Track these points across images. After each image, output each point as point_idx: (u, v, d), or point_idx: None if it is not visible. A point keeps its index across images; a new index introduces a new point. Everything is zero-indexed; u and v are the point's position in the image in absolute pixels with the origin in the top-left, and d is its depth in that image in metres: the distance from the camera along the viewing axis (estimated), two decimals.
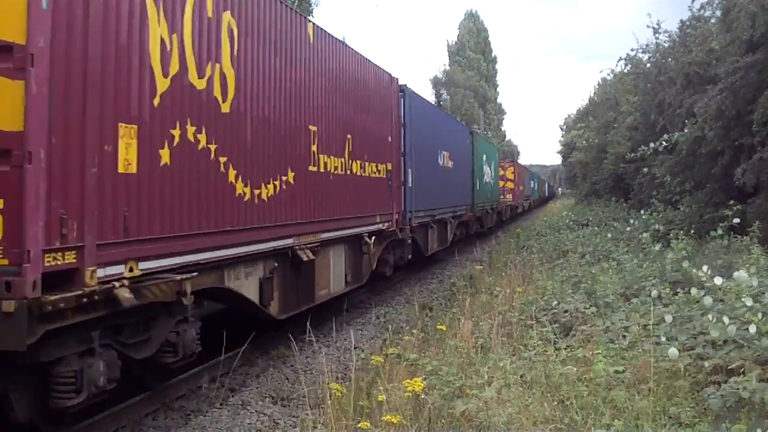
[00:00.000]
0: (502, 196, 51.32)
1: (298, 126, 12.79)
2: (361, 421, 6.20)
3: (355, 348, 12.74)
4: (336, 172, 14.70)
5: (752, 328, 6.61)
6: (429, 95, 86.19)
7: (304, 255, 12.81)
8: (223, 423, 9.01)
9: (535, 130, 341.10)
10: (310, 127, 13.36)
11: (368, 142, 17.12)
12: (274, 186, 11.60)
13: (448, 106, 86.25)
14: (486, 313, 11.84)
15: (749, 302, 7.16)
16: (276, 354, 12.35)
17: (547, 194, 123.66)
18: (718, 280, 7.73)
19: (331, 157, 14.44)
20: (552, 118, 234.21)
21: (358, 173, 16.24)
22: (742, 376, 6.21)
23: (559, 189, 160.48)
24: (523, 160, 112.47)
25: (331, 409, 6.68)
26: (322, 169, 13.88)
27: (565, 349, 8.68)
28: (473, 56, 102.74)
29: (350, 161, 15.66)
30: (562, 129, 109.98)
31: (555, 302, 11.11)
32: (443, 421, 6.44)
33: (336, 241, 15.08)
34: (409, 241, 20.96)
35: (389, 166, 18.87)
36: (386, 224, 18.26)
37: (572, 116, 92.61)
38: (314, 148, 13.53)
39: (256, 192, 10.92)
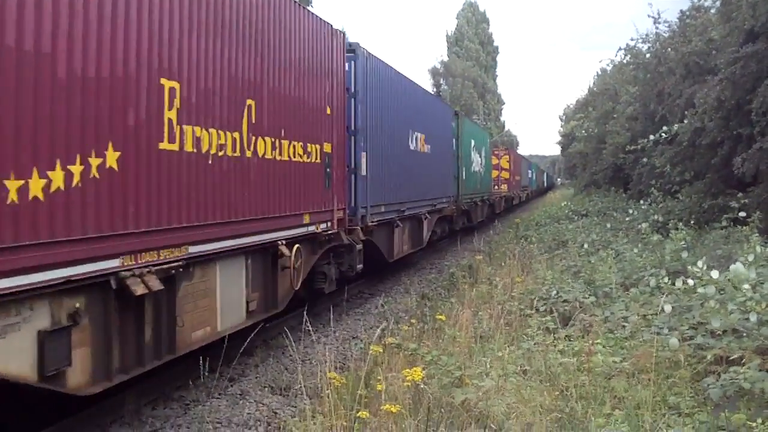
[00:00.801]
0: (496, 187, 48.68)
1: (132, 76, 7.79)
2: (360, 410, 6.19)
3: (354, 338, 12.79)
4: (222, 153, 9.72)
5: (753, 317, 6.60)
6: (428, 86, 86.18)
7: (139, 286, 7.74)
8: (222, 413, 9.00)
9: (535, 120, 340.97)
10: (164, 81, 8.39)
11: (288, 112, 11.94)
12: (67, 174, 6.71)
13: (447, 97, 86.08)
14: (485, 303, 11.84)
15: (749, 292, 7.15)
16: (275, 344, 12.34)
17: (546, 184, 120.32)
18: (714, 273, 7.70)
19: (211, 131, 9.43)
20: (552, 108, 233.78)
21: (269, 156, 11.22)
22: (742, 365, 6.20)
23: (559, 179, 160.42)
24: (522, 150, 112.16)
25: (329, 399, 6.66)
26: (189, 148, 8.92)
27: (565, 338, 8.69)
28: (472, 46, 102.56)
29: (252, 138, 10.62)
30: (561, 119, 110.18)
31: (554, 292, 11.11)
32: (442, 410, 6.43)
33: (228, 255, 10.09)
34: (359, 246, 15.62)
35: (327, 148, 13.64)
36: (322, 226, 13.46)
37: (572, 106, 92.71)
38: (171, 114, 8.56)
39: (16, 185, 6.12)
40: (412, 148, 21.39)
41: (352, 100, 15.77)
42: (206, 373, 9.00)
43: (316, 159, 13.11)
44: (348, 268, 15.45)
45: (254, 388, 10.06)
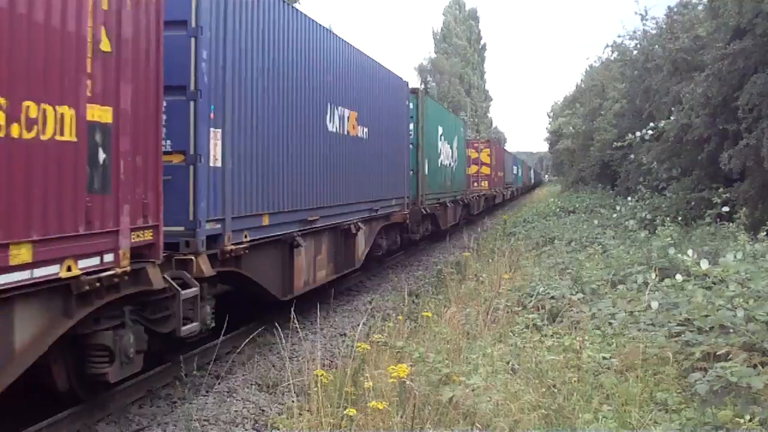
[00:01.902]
0: (475, 184, 43.96)
1: None
2: (348, 407, 6.18)
3: (341, 335, 12.77)
4: None
5: (740, 313, 6.62)
6: (416, 83, 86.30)
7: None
8: (209, 410, 8.97)
9: (523, 117, 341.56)
10: None
11: None
12: None
13: (435, 94, 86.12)
14: (473, 300, 11.83)
15: (736, 287, 7.18)
16: (262, 341, 12.30)
17: (533, 181, 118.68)
18: (704, 264, 7.73)
19: None
20: (540, 105, 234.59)
21: None
22: (728, 361, 6.21)
23: (546, 176, 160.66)
24: (510, 147, 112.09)
25: (317, 396, 6.65)
26: None
27: (552, 335, 8.69)
28: (460, 43, 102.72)
29: None
30: (549, 116, 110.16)
31: (542, 289, 11.12)
32: (430, 407, 6.42)
33: None
34: (195, 290, 9.26)
35: (99, 115, 7.24)
36: (82, 263, 7.06)
37: (559, 103, 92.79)
38: None
39: None
40: (331, 129, 14.99)
41: (192, 40, 9.63)
42: (194, 371, 8.99)
43: (67, 136, 6.81)
44: (167, 336, 9.02)
45: (242, 386, 10.03)
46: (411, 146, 23.20)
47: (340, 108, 15.53)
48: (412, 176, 23.21)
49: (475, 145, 47.18)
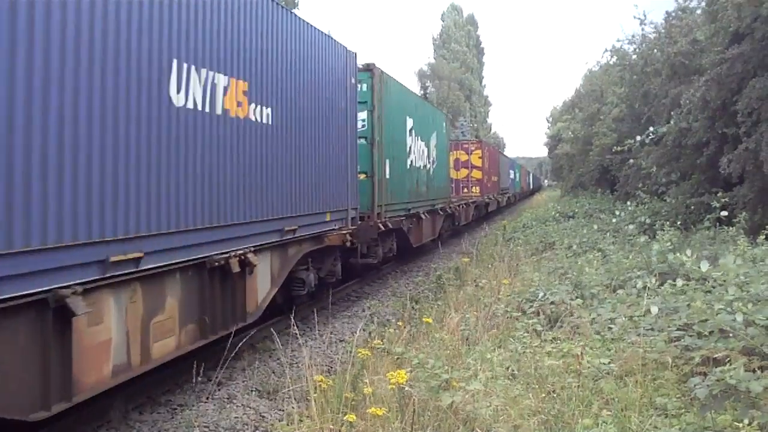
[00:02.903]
0: (465, 190, 40.72)
1: None
2: (348, 413, 6.18)
3: (341, 341, 12.78)
4: None
5: (739, 317, 6.62)
6: (415, 88, 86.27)
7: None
8: (209, 417, 8.97)
9: (522, 122, 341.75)
10: None
11: None
12: None
13: (434, 99, 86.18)
14: (472, 306, 11.83)
15: (736, 291, 7.19)
16: (262, 347, 12.32)
17: (532, 186, 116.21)
18: (704, 266, 7.73)
19: None
20: (539, 110, 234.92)
21: None
22: (728, 365, 6.21)
23: (546, 181, 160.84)
24: (509, 152, 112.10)
25: (316, 402, 6.65)
26: None
27: (552, 341, 8.69)
28: (459, 49, 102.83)
29: None
30: (548, 121, 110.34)
31: (541, 294, 11.11)
32: (429, 413, 6.42)
33: None
34: None
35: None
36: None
37: (558, 108, 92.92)
38: None
39: None
40: (183, 104, 9.10)
41: None
42: (198, 378, 8.99)
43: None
44: None
45: (242, 392, 10.03)
46: (363, 141, 17.86)
47: (204, 71, 9.52)
48: (364, 182, 17.82)
49: (465, 146, 43.30)
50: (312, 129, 13.48)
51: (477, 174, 42.10)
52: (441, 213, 28.36)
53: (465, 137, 62.03)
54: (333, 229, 14.86)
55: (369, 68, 18.47)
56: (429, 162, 26.29)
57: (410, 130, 22.88)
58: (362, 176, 17.53)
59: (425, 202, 25.27)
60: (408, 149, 22.61)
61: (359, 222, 16.75)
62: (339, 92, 15.09)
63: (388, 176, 19.56)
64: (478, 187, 42.05)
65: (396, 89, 21.03)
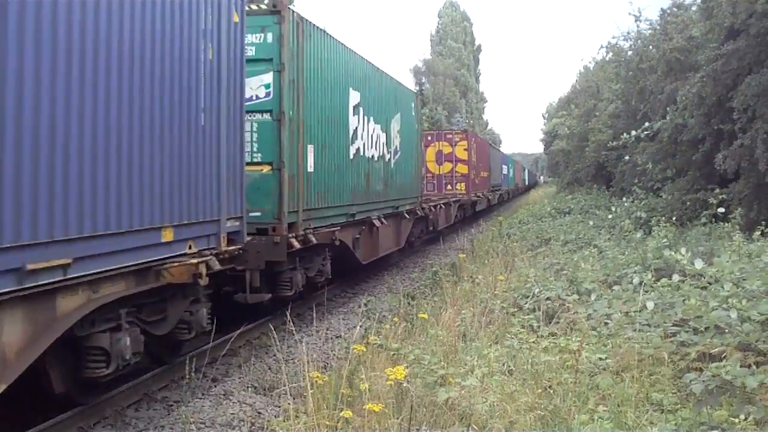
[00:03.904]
0: (449, 187, 36.49)
1: None
2: (344, 409, 6.18)
3: (337, 337, 12.78)
4: None
5: (734, 314, 6.64)
6: (411, 84, 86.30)
7: None
8: (205, 413, 8.96)
9: (518, 118, 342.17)
10: None
11: None
12: None
13: (430, 95, 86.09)
14: (469, 302, 11.84)
15: (731, 288, 7.21)
16: (258, 344, 12.31)
17: (527, 183, 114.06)
18: (698, 264, 7.75)
19: None
20: (535, 106, 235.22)
21: None
22: (724, 360, 6.23)
23: (541, 177, 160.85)
24: (505, 148, 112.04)
25: (312, 398, 6.65)
26: None
27: (548, 336, 8.70)
28: (455, 45, 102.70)
29: None
30: (544, 117, 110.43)
31: (537, 290, 11.12)
32: (426, 409, 6.42)
33: None
34: None
35: None
36: None
37: (554, 104, 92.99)
38: None
39: None
40: None
41: None
42: (192, 374, 9.00)
43: None
44: None
45: (238, 389, 10.02)
46: (265, 117, 12.90)
47: None
48: (267, 177, 12.83)
49: (449, 136, 37.97)
50: (110, 83, 7.48)
51: (462, 168, 37.40)
52: (408, 216, 23.16)
53: None
54: (182, 255, 9.16)
55: (276, 9, 12.89)
56: (389, 152, 20.89)
57: (356, 108, 17.41)
58: (264, 168, 12.81)
59: (382, 204, 19.93)
60: (352, 133, 17.11)
61: (251, 238, 11.58)
62: (195, 33, 9.35)
63: (311, 169, 14.19)
64: (463, 184, 37.32)
65: (330, 47, 15.50)
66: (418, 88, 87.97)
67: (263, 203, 12.63)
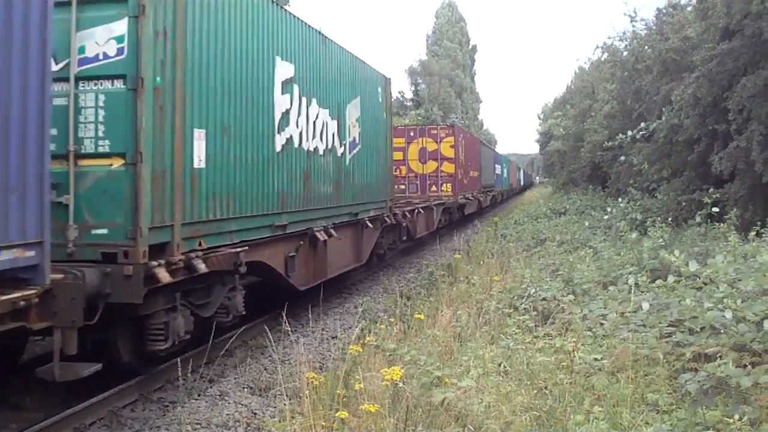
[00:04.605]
0: (433, 188, 32.78)
1: None
2: (339, 409, 6.19)
3: (333, 338, 12.78)
4: None
5: (728, 314, 6.65)
6: (406, 85, 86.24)
7: None
8: (201, 414, 8.96)
9: (514, 119, 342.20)
10: None
11: None
12: None
13: (425, 96, 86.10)
14: (464, 302, 11.85)
15: (726, 288, 7.22)
16: (254, 344, 12.30)
17: (522, 183, 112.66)
18: (692, 266, 7.76)
19: None
20: (531, 106, 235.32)
21: None
22: (719, 360, 6.24)
23: (537, 177, 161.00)
24: (501, 149, 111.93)
25: (308, 399, 6.66)
26: None
27: (543, 337, 8.71)
28: (450, 45, 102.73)
29: None
30: (539, 118, 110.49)
31: (533, 290, 11.13)
32: (421, 410, 6.43)
33: None
34: None
35: None
36: None
37: (550, 105, 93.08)
38: None
39: None
40: None
41: None
42: (188, 374, 8.99)
43: None
44: None
45: (234, 389, 10.02)
46: (117, 87, 8.67)
47: None
48: (119, 176, 8.62)
49: (433, 132, 34.02)
50: None
51: (449, 168, 33.60)
52: (373, 225, 18.77)
53: None
54: None
55: None
56: (342, 145, 16.39)
57: (286, 85, 13.17)
58: (113, 162, 8.60)
59: (333, 211, 15.67)
60: (279, 118, 12.83)
61: (63, 276, 7.65)
62: None
63: (200, 164, 10.01)
64: (449, 185, 33.57)
65: (247, 2, 11.47)
66: (413, 88, 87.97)
67: (112, 215, 8.51)
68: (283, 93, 12.89)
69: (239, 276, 10.98)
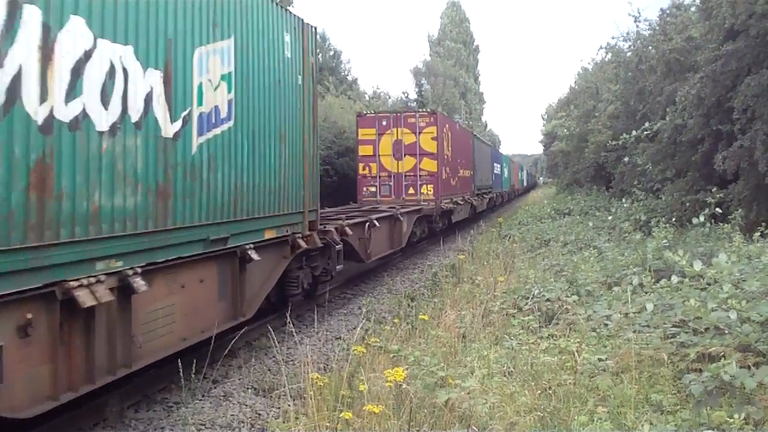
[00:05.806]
0: (410, 190, 27.36)
1: None
2: (343, 410, 6.18)
3: (337, 338, 12.78)
4: None
5: (733, 315, 6.63)
6: (410, 86, 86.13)
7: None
8: (205, 415, 8.97)
9: (517, 119, 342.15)
10: None
11: None
12: None
13: (429, 96, 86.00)
14: (468, 303, 11.84)
15: (730, 289, 7.21)
16: (258, 345, 12.31)
17: (525, 184, 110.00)
18: (697, 265, 7.75)
19: None
20: (534, 107, 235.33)
21: None
22: (723, 361, 6.23)
23: (541, 178, 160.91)
24: (505, 150, 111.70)
25: (312, 400, 6.65)
26: None
27: (548, 337, 8.70)
28: (453, 46, 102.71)
29: None
30: (543, 118, 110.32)
31: (537, 291, 11.11)
32: (426, 410, 6.42)
33: None
34: None
35: None
36: None
37: (554, 105, 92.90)
38: None
39: None
40: None
41: None
42: (192, 375, 9.00)
43: None
44: None
45: (238, 390, 10.03)
46: None
47: None
48: None
49: (411, 120, 27.95)
50: None
51: (429, 165, 27.79)
52: (262, 258, 11.38)
53: None
54: None
55: None
56: (183, 120, 9.21)
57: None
58: None
59: (148, 241, 8.45)
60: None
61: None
62: None
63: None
64: (431, 186, 27.69)
65: None
66: (417, 89, 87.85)
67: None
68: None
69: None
